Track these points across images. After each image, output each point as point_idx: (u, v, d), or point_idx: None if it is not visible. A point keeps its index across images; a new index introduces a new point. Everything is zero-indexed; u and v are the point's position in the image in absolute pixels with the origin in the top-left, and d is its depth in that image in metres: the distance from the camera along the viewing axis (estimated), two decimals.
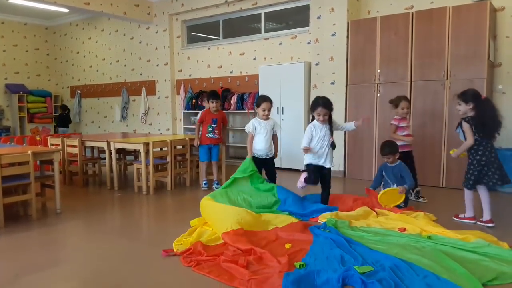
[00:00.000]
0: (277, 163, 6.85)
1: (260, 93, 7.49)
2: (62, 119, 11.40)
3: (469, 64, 5.46)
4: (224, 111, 8.35)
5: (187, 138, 6.10)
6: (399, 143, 4.72)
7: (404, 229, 3.63)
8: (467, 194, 4.02)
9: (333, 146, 4.31)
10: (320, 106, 4.17)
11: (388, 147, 4.55)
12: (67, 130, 11.22)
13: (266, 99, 4.67)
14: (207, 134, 5.74)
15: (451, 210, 4.35)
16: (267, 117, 4.69)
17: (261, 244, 3.32)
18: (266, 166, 4.79)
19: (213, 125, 5.72)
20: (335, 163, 6.73)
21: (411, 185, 4.50)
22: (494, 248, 3.13)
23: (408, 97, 5.91)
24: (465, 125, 3.88)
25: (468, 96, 3.91)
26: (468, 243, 3.23)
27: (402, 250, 3.10)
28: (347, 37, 6.48)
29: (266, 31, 8.26)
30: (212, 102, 5.69)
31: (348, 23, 6.47)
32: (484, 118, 3.82)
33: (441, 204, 4.81)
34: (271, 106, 4.71)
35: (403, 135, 4.89)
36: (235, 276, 2.77)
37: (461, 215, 4.11)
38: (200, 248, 3.24)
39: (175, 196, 5.52)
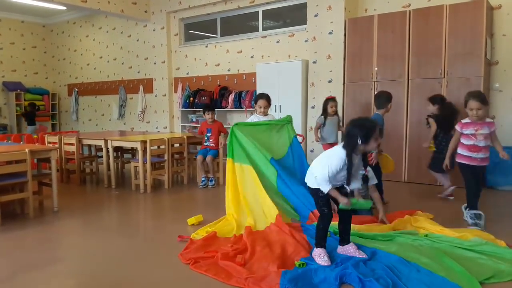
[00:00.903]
0: None
1: (258, 91, 7.49)
2: (30, 117, 11.26)
3: (466, 62, 5.47)
4: (221, 109, 8.40)
5: (184, 136, 6.10)
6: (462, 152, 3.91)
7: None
8: (434, 174, 5.07)
9: None
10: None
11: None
12: (35, 127, 11.12)
13: (262, 96, 4.80)
14: (204, 143, 6.06)
15: (448, 208, 4.37)
16: (264, 114, 4.77)
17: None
18: None
19: (208, 134, 6.01)
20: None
21: None
22: (491, 246, 3.15)
23: (405, 95, 5.95)
24: (430, 120, 4.86)
25: (434, 99, 4.98)
26: (465, 241, 3.24)
27: (399, 248, 3.10)
28: (345, 35, 6.48)
29: (263, 29, 8.25)
30: (208, 114, 6.04)
31: (345, 21, 6.47)
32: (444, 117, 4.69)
33: (438, 202, 4.82)
34: (268, 104, 4.76)
35: (468, 145, 3.81)
36: (232, 274, 2.77)
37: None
38: (210, 241, 3.40)
39: (172, 194, 5.52)
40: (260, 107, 4.75)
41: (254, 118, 4.83)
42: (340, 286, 2.58)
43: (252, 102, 7.84)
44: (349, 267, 2.73)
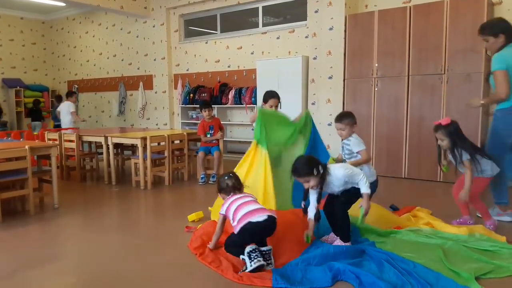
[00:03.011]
0: None
1: (258, 88, 7.50)
2: (35, 113, 11.28)
3: (466, 58, 5.46)
4: (221, 105, 8.40)
5: (184, 133, 6.10)
6: None
7: (399, 227, 3.61)
8: None
9: None
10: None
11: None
12: (40, 124, 11.14)
13: (274, 95, 4.59)
14: (206, 140, 6.00)
15: (447, 204, 4.36)
16: None
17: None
18: None
19: (210, 132, 5.95)
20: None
21: None
22: (489, 242, 3.15)
23: (405, 91, 5.94)
24: None
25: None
26: (463, 236, 3.25)
27: (394, 246, 3.11)
28: (345, 31, 6.47)
29: (263, 25, 8.23)
30: (205, 111, 5.90)
31: (345, 17, 6.45)
32: None
33: (438, 198, 4.83)
34: (279, 102, 4.67)
35: None
36: (229, 268, 2.79)
37: None
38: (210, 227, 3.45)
39: (173, 191, 5.52)
40: (272, 107, 4.59)
41: None
42: (333, 280, 2.58)
43: (253, 99, 7.85)
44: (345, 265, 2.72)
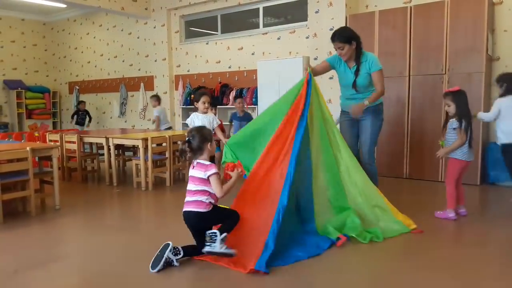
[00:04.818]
0: None
1: (259, 88, 7.49)
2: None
3: (467, 58, 5.45)
4: (222, 106, 8.39)
5: (185, 134, 6.09)
6: None
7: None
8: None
9: None
10: None
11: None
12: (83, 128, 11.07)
13: (204, 93, 4.92)
14: None
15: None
16: (207, 110, 4.92)
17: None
18: None
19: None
20: None
21: None
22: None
23: (406, 91, 5.93)
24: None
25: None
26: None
27: None
28: None
29: (264, 26, 8.23)
30: (213, 110, 5.99)
31: (346, 17, 6.45)
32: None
33: (439, 199, 4.81)
34: (210, 100, 4.91)
35: None
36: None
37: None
38: None
39: (174, 192, 5.53)
40: (204, 103, 4.87)
41: (194, 117, 4.95)
42: None
43: (254, 99, 7.85)
44: None
